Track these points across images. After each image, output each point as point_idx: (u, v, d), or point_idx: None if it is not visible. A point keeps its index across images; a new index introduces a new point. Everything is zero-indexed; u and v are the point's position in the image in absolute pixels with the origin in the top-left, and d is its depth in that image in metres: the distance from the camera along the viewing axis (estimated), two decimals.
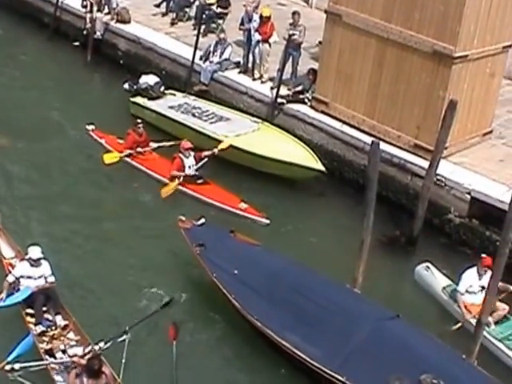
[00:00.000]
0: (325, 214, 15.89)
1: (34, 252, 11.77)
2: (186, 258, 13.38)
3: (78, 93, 19.78)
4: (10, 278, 11.77)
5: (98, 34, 21.61)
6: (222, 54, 19.11)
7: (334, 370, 10.74)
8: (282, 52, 17.97)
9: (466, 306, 12.47)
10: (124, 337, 10.64)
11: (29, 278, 11.70)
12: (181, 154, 15.82)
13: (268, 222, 14.90)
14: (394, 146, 15.83)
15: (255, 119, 17.55)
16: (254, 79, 18.67)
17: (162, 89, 18.75)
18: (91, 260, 13.53)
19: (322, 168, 15.87)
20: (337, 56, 16.58)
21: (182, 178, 15.67)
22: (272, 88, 18.04)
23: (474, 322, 11.93)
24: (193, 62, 19.18)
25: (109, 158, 16.15)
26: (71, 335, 11.42)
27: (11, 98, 18.96)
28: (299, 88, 17.73)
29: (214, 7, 21.18)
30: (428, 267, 13.58)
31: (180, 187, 15.65)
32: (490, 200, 14.34)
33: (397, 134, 15.85)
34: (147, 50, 20.67)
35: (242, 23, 19.25)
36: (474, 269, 12.63)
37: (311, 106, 17.39)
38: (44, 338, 11.27)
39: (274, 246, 13.60)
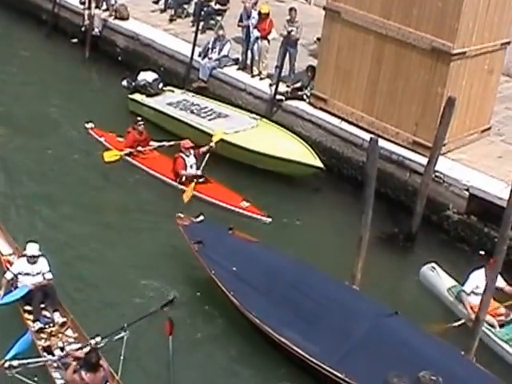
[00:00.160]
0: (323, 210, 15.89)
1: (32, 249, 11.76)
2: (184, 255, 13.38)
3: (76, 90, 19.75)
4: (8, 275, 11.76)
5: (97, 30, 21.59)
6: (220, 50, 19.11)
7: (333, 366, 10.74)
8: (278, 49, 17.98)
9: (471, 307, 12.36)
10: (122, 334, 10.61)
11: (26, 274, 11.70)
12: (182, 154, 15.78)
13: (270, 220, 14.87)
14: (393, 142, 15.82)
15: (254, 116, 17.54)
16: (253, 76, 18.67)
17: (161, 85, 18.73)
18: (89, 257, 13.52)
19: (321, 165, 15.86)
20: (335, 53, 16.57)
21: (184, 178, 15.67)
22: (271, 85, 18.03)
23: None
24: (191, 58, 19.18)
25: (109, 156, 16.06)
26: (69, 332, 11.42)
27: (9, 95, 18.95)
28: (298, 85, 17.73)
29: (212, 4, 21.20)
30: (433, 268, 13.46)
31: (181, 187, 15.66)
32: (488, 197, 14.34)
33: (395, 131, 15.85)
34: (146, 47, 20.66)
35: (240, 20, 19.23)
36: (482, 270, 12.46)
37: (310, 103, 17.38)
38: (42, 335, 11.26)
39: (272, 242, 13.59)
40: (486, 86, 15.94)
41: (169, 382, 10.97)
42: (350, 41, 16.29)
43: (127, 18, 21.57)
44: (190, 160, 15.80)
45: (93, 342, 10.61)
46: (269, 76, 18.43)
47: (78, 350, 10.59)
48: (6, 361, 10.19)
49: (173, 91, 18.87)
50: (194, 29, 19.65)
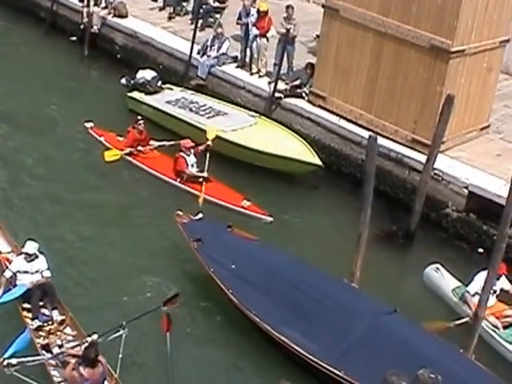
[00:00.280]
0: (322, 208, 15.88)
1: (30, 247, 11.77)
2: (183, 253, 13.38)
3: (75, 88, 19.74)
4: (8, 274, 11.76)
5: (95, 28, 21.57)
6: (219, 48, 19.10)
7: (332, 364, 10.75)
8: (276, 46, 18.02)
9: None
10: (121, 332, 10.57)
11: (25, 272, 11.70)
12: (182, 153, 15.75)
13: (271, 219, 14.84)
14: (392, 140, 15.82)
15: (252, 113, 17.53)
16: (252, 74, 18.66)
17: (159, 83, 18.72)
18: (88, 255, 13.51)
19: (319, 162, 15.85)
20: (334, 50, 16.56)
21: (185, 177, 15.65)
22: (269, 82, 18.03)
23: (483, 323, 11.91)
24: (190, 56, 19.17)
25: (109, 156, 15.99)
26: (68, 330, 11.42)
27: (7, 93, 18.91)
28: (297, 82, 17.72)
29: (211, 1, 21.20)
30: (438, 268, 13.40)
31: (182, 186, 15.63)
32: (487, 194, 14.34)
33: (394, 129, 15.84)
34: (144, 45, 20.65)
35: (239, 18, 19.20)
36: (487, 272, 12.49)
37: (309, 101, 17.37)
38: (41, 333, 11.26)
39: (271, 240, 13.59)
40: (485, 84, 15.94)
41: (167, 379, 10.96)
42: (348, 38, 16.28)
43: (126, 16, 21.55)
44: (191, 159, 15.78)
45: (89, 339, 10.60)
46: (268, 74, 18.42)
47: (75, 347, 10.59)
48: (4, 359, 10.17)
49: (171, 89, 18.85)
50: (192, 27, 19.66)
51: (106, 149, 16.38)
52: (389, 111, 15.91)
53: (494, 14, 15.20)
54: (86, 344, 10.31)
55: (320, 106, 17.09)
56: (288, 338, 11.23)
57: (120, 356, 10.40)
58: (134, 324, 10.87)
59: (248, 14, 18.93)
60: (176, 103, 18.05)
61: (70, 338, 11.24)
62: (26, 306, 11.63)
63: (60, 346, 11.04)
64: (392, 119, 15.88)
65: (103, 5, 21.81)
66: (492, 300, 12.30)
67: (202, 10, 20.50)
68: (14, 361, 10.13)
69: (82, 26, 21.64)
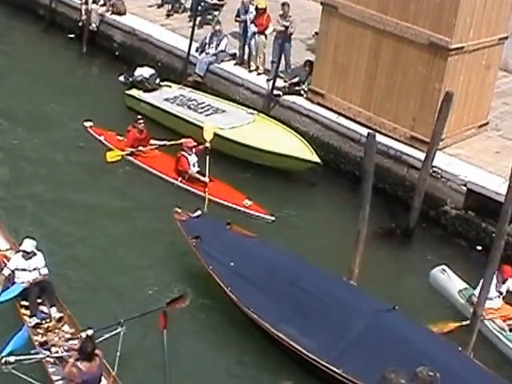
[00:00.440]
0: (320, 205, 15.87)
1: (27, 244, 11.77)
2: (181, 250, 13.37)
3: (73, 85, 19.71)
4: (6, 272, 11.76)
5: (94, 25, 21.53)
6: (217, 45, 19.07)
7: (331, 362, 10.75)
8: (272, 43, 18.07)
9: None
10: (119, 329, 10.56)
11: (23, 270, 11.70)
12: (184, 153, 15.72)
13: (273, 218, 14.81)
14: (390, 137, 15.81)
15: (251, 111, 17.51)
16: (250, 71, 18.65)
17: (158, 81, 18.69)
18: (87, 252, 13.50)
19: (318, 160, 15.83)
20: (333, 48, 16.55)
21: (187, 177, 15.63)
22: (268, 80, 18.01)
23: (489, 325, 12.02)
24: (188, 53, 19.13)
25: (111, 157, 15.98)
26: (66, 328, 11.40)
27: (5, 90, 18.87)
28: (295, 80, 17.72)
29: None
30: (444, 270, 13.34)
31: (183, 185, 15.62)
32: (486, 192, 14.33)
33: (393, 126, 15.83)
34: (143, 42, 20.62)
35: (237, 15, 19.22)
36: (494, 275, 12.32)
37: (307, 98, 17.36)
38: (39, 331, 11.25)
39: (270, 238, 13.60)
40: (484, 81, 15.93)
41: (165, 376, 10.94)
42: (347, 36, 16.26)
43: (124, 13, 21.53)
44: (193, 159, 15.75)
45: (83, 334, 10.59)
46: (266, 71, 18.40)
47: (70, 339, 10.60)
48: (2, 357, 10.17)
49: (170, 86, 18.82)
50: (191, 24, 19.64)
51: (108, 149, 16.32)
52: (387, 108, 15.90)
53: (493, 12, 15.19)
54: (83, 338, 10.32)
55: (318, 104, 17.07)
56: (287, 336, 11.22)
57: (118, 354, 10.39)
58: (132, 321, 10.87)
59: (246, 11, 18.95)
60: (174, 101, 18.02)
61: (68, 335, 11.22)
62: (24, 303, 11.63)
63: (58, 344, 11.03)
64: (391, 116, 15.86)
65: (101, 2, 21.76)
66: (498, 302, 12.34)
67: (200, 7, 20.47)
68: (11, 358, 10.12)
69: (80, 24, 21.61)
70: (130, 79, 18.70)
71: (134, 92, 18.50)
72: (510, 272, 12.32)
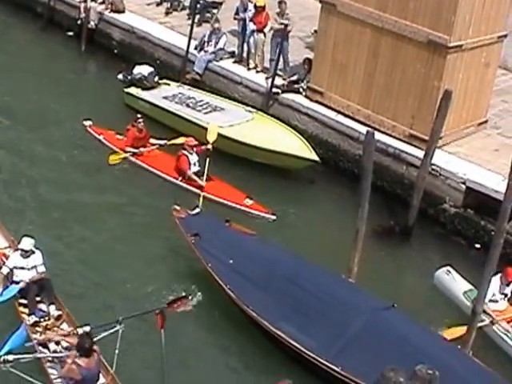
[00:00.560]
0: (319, 203, 15.84)
1: (26, 243, 11.76)
2: (180, 248, 13.36)
3: (72, 83, 19.71)
4: (5, 270, 11.75)
5: (92, 23, 21.50)
6: (216, 43, 19.06)
7: (329, 360, 10.75)
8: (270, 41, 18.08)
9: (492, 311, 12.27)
10: (117, 327, 10.56)
11: (22, 268, 11.70)
12: (185, 152, 15.69)
13: (274, 217, 14.79)
14: (389, 135, 15.79)
15: (249, 109, 17.49)
16: (249, 69, 18.63)
17: (156, 79, 18.68)
18: (86, 251, 13.49)
19: (316, 158, 15.82)
20: (332, 46, 16.53)
21: (188, 176, 15.58)
22: (267, 78, 17.99)
23: (494, 326, 12.02)
24: (187, 51, 19.11)
25: (113, 160, 15.96)
26: (64, 326, 11.39)
27: (3, 89, 18.84)
28: (294, 78, 17.70)
29: None
30: (449, 271, 13.29)
31: (183, 185, 15.60)
32: (484, 190, 14.33)
33: (392, 124, 15.82)
34: (141, 40, 20.60)
35: (236, 13, 19.20)
36: (497, 277, 12.31)
37: (306, 96, 17.34)
38: (37, 329, 11.24)
39: (269, 235, 13.60)
40: (483, 79, 15.91)
41: (162, 374, 10.95)
42: (346, 34, 16.24)
43: (123, 11, 21.52)
44: (193, 158, 15.71)
45: (80, 330, 10.58)
46: (265, 69, 18.38)
47: (67, 335, 10.60)
48: (0, 356, 10.15)
49: (168, 84, 18.81)
50: (189, 22, 19.62)
51: (112, 152, 16.25)
52: (386, 106, 15.89)
53: (492, 10, 15.17)
54: (80, 334, 10.32)
55: (317, 102, 17.06)
56: (286, 334, 11.21)
57: (116, 352, 10.39)
58: (131, 320, 10.86)
59: (245, 9, 18.93)
60: (173, 99, 18.01)
61: (67, 334, 11.20)
62: (23, 301, 11.62)
63: (57, 342, 11.00)
64: (389, 114, 15.85)
65: (100, 0, 21.74)
66: (503, 304, 12.35)
67: (199, 5, 20.46)
68: (10, 357, 10.10)
69: (79, 22, 21.59)
70: (129, 77, 18.69)
71: (133, 90, 18.48)
72: None
